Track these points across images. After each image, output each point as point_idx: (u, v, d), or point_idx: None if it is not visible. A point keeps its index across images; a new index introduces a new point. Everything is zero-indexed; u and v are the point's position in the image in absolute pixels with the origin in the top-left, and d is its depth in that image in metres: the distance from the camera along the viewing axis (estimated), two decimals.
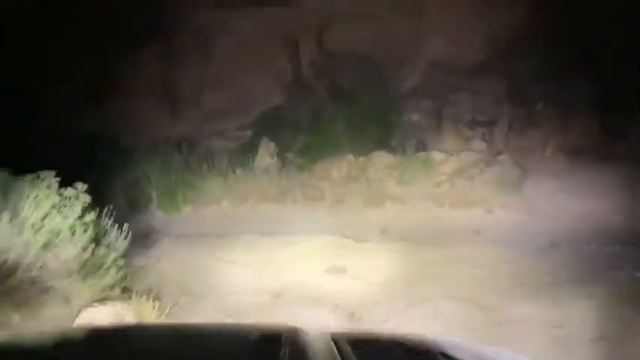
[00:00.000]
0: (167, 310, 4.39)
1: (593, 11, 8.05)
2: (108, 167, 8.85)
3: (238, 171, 8.74)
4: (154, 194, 8.74)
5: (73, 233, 4.28)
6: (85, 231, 4.34)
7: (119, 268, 4.52)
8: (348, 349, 1.97)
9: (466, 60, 9.58)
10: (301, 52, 10.93)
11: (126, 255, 5.03)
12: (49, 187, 4.39)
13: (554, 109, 8.65)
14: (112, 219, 5.01)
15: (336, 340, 2.04)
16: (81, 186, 4.43)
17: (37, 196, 4.31)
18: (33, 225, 4.23)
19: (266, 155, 9.05)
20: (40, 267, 4.16)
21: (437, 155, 8.30)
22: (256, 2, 10.82)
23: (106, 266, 4.39)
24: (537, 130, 8.66)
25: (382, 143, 8.65)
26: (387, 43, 10.13)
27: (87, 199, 4.42)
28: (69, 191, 4.35)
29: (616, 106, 7.97)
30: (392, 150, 8.49)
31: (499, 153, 8.45)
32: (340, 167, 8.33)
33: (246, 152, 9.31)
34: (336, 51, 10.59)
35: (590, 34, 8.15)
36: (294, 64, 10.96)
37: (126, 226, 4.97)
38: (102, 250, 4.47)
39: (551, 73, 8.66)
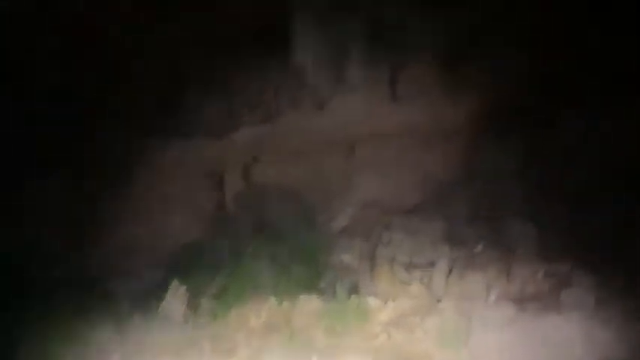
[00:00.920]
0: None
1: (533, 154, 8.06)
2: None
3: (137, 318, 7.47)
4: (22, 344, 7.08)
5: None
6: None
7: None
8: None
9: (401, 199, 9.26)
10: (226, 185, 10.26)
11: None
12: None
13: (495, 253, 8.22)
14: None
15: None
16: None
17: None
18: None
19: (174, 300, 7.83)
20: None
21: (372, 301, 7.45)
22: (177, 133, 10.25)
23: None
24: (479, 275, 8.06)
25: (310, 286, 7.74)
26: (318, 179, 9.75)
27: None
28: None
29: (560, 253, 7.65)
30: (321, 293, 7.59)
31: (439, 299, 7.71)
32: (259, 314, 7.22)
33: (150, 296, 8.02)
34: (263, 184, 9.99)
35: (533, 179, 8.06)
36: (216, 197, 10.20)
37: None
38: None
39: (490, 215, 8.44)
